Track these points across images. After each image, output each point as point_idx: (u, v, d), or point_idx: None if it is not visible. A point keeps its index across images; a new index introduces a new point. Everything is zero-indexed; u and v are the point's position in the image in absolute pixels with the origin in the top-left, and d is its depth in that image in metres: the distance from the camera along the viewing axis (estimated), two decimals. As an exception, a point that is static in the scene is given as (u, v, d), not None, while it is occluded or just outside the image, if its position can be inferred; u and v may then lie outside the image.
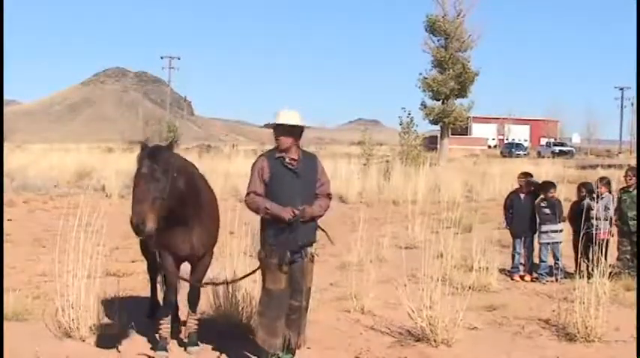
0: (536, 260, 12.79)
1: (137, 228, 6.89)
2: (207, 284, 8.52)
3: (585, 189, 12.63)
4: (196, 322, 8.19)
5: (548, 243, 12.55)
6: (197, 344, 8.10)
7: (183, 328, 8.49)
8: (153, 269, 9.08)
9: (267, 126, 7.59)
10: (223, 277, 9.09)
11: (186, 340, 8.22)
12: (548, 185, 13.12)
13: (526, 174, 13.21)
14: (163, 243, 7.67)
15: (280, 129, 7.27)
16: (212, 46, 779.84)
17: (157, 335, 8.02)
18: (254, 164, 7.39)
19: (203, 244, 7.86)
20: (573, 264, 12.38)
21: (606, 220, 11.97)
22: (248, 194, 7.30)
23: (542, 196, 12.79)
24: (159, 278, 9.11)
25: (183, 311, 8.55)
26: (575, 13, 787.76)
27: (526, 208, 12.80)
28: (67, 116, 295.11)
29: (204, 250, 7.96)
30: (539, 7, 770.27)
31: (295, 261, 7.22)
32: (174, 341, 8.32)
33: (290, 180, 7.19)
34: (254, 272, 7.86)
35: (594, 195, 12.12)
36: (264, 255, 7.25)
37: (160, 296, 8.89)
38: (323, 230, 7.51)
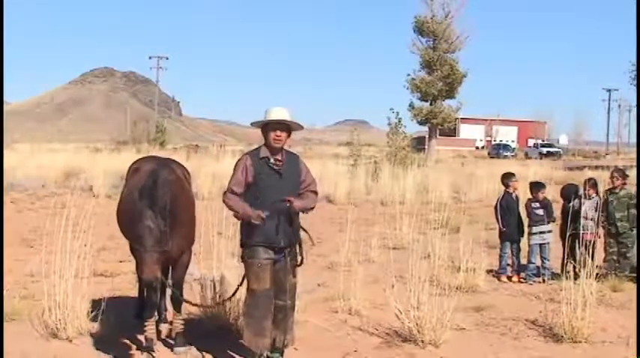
0: (523, 261, 12.81)
1: (151, 285, 7.20)
2: (194, 304, 8.49)
3: (575, 190, 12.69)
4: (182, 322, 8.15)
5: (539, 244, 12.58)
6: (184, 345, 8.07)
7: (169, 328, 8.48)
8: None
9: (255, 123, 7.49)
10: (210, 278, 9.08)
11: (173, 341, 8.20)
12: (539, 185, 13.14)
13: (509, 175, 13.22)
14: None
15: (276, 125, 7.27)
16: (200, 47, 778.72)
17: (142, 337, 8.01)
18: (238, 162, 7.41)
19: (178, 247, 7.81)
20: (560, 264, 12.45)
21: (592, 220, 12.05)
22: (226, 191, 7.35)
23: (532, 197, 12.80)
24: None
25: (170, 312, 8.53)
26: (564, 14, 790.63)
27: (518, 209, 12.84)
28: (54, 116, 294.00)
29: (180, 251, 7.95)
30: (528, 9, 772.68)
31: (279, 260, 7.24)
32: (162, 342, 8.30)
33: (274, 181, 7.21)
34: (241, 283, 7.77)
35: (581, 196, 12.22)
36: (248, 255, 7.26)
37: None
38: (305, 230, 7.54)
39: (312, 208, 7.55)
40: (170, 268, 8.18)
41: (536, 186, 13.04)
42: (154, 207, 7.08)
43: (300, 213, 7.40)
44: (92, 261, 9.67)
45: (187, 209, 7.97)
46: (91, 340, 8.34)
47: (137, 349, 8.04)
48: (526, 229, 12.89)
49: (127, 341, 8.32)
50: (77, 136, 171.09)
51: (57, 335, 8.35)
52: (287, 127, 7.35)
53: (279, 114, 7.30)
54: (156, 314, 8.09)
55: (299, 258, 7.46)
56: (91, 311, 8.67)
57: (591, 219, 12.07)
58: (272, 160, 7.27)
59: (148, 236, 7.03)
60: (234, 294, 8.03)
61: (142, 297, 9.16)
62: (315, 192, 7.59)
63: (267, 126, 7.30)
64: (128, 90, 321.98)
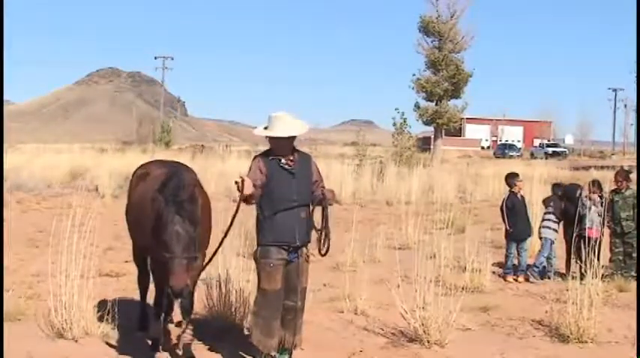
0: (529, 261, 12.82)
1: (180, 294, 6.82)
2: None
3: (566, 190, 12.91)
4: (190, 332, 7.82)
5: (550, 242, 12.65)
6: (192, 355, 7.80)
7: (177, 335, 8.39)
8: (144, 280, 8.85)
9: (260, 132, 7.50)
10: (215, 277, 9.08)
11: (180, 352, 7.84)
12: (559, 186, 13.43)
13: (514, 175, 13.22)
14: (155, 250, 7.43)
15: (277, 139, 7.29)
16: (206, 47, 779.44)
17: (148, 338, 7.98)
18: (251, 163, 7.41)
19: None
20: (564, 265, 12.48)
21: (599, 215, 12.07)
22: None
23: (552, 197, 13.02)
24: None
25: (176, 312, 8.52)
26: (569, 14, 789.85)
27: (525, 209, 12.89)
28: (60, 116, 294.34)
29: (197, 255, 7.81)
30: (533, 8, 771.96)
31: (291, 261, 7.25)
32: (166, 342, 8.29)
33: (287, 180, 7.22)
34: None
35: (586, 196, 12.30)
36: (260, 254, 7.26)
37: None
38: (323, 230, 7.55)
39: (331, 204, 7.58)
40: None
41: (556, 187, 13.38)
42: (182, 212, 6.90)
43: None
44: (98, 261, 9.69)
45: (207, 214, 7.80)
46: (97, 340, 8.35)
47: (144, 349, 8.03)
48: (536, 226, 13.01)
49: (133, 341, 8.32)
50: (83, 136, 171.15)
51: (63, 335, 8.36)
52: (288, 138, 7.35)
53: (282, 128, 7.26)
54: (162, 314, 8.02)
55: (324, 248, 7.50)
56: (97, 311, 8.69)
57: (598, 215, 12.09)
58: (283, 161, 7.27)
59: (176, 242, 6.81)
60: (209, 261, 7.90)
61: (143, 308, 8.95)
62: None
63: (270, 137, 7.33)
64: (133, 91, 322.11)
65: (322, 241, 7.51)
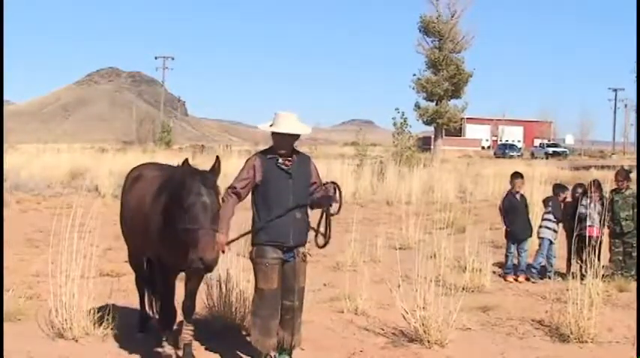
0: (529, 260, 12.82)
1: (211, 267, 6.66)
2: None
3: (580, 189, 12.85)
4: (191, 333, 7.75)
5: (550, 242, 12.67)
6: (192, 356, 7.76)
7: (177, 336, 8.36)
8: (142, 284, 8.76)
9: (262, 128, 7.52)
10: (216, 277, 9.07)
11: (180, 352, 7.82)
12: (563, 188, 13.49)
13: (514, 175, 13.22)
14: (163, 254, 7.41)
15: (281, 136, 7.28)
16: (206, 47, 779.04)
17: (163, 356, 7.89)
18: (247, 161, 7.41)
19: None
20: (565, 265, 12.48)
21: (599, 213, 12.07)
22: (228, 188, 7.28)
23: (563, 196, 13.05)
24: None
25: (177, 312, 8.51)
26: (569, 14, 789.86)
27: (525, 209, 12.89)
28: (60, 116, 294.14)
29: None
30: (533, 8, 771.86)
31: (287, 260, 7.24)
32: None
33: (283, 180, 7.20)
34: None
35: (587, 196, 12.31)
36: (256, 254, 7.25)
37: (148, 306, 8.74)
38: (318, 230, 7.53)
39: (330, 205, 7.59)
40: (185, 276, 7.76)
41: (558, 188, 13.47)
42: (207, 183, 6.78)
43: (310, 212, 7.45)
44: (98, 261, 9.68)
45: None
46: (97, 340, 8.34)
47: (144, 349, 8.02)
48: (535, 225, 13.02)
49: (133, 341, 8.32)
50: (83, 136, 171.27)
51: (63, 335, 8.36)
52: (291, 137, 7.35)
53: (286, 125, 7.26)
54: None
55: (303, 255, 7.42)
56: (97, 311, 8.68)
57: (598, 213, 12.09)
58: (280, 161, 7.26)
59: (203, 213, 6.62)
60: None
61: (144, 311, 8.86)
62: None
63: (275, 134, 7.32)
64: (134, 91, 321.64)
65: (317, 236, 7.52)
